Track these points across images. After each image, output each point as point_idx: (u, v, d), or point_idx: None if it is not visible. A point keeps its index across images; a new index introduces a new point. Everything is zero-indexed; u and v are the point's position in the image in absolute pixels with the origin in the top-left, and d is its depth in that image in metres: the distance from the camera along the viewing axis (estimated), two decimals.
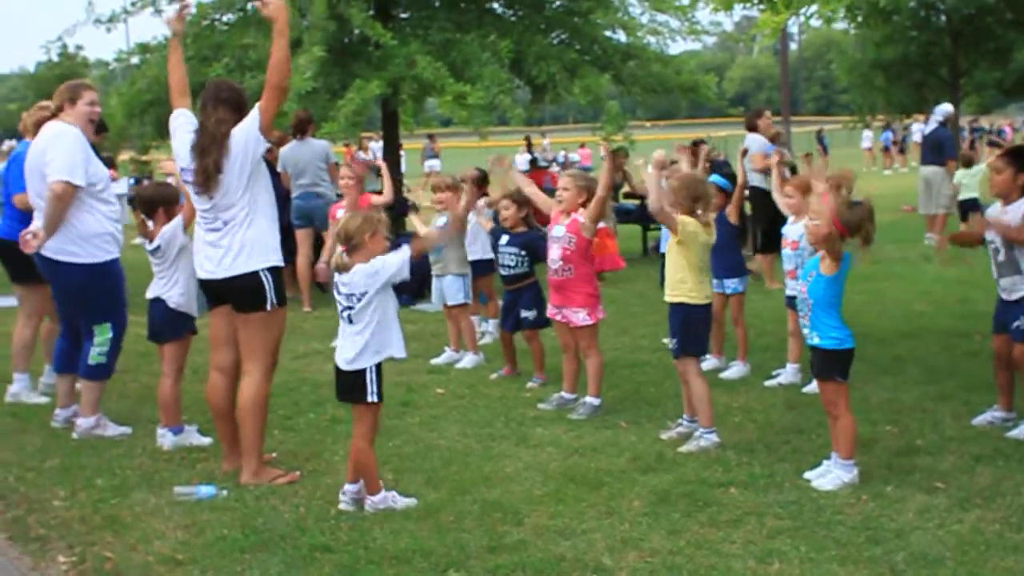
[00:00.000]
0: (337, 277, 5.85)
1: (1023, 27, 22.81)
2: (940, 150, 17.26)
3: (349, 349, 5.82)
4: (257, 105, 6.29)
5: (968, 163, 18.67)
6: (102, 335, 7.41)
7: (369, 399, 5.80)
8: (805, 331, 6.30)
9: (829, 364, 6.18)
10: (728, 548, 5.23)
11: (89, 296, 7.37)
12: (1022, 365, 7.03)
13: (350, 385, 5.84)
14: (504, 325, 9.06)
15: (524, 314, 8.78)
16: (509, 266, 8.85)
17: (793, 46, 76.80)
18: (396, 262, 5.75)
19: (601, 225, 8.04)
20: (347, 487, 5.94)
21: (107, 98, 14.63)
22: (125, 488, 6.33)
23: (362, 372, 5.78)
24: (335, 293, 5.88)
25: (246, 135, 6.21)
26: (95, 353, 7.42)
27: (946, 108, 17.74)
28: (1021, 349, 6.99)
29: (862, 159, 43.00)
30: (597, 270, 8.18)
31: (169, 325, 7.19)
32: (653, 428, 7.32)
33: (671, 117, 60.22)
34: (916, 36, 24.55)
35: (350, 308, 5.78)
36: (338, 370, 5.90)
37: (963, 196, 17.63)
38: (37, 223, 7.26)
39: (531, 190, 8.71)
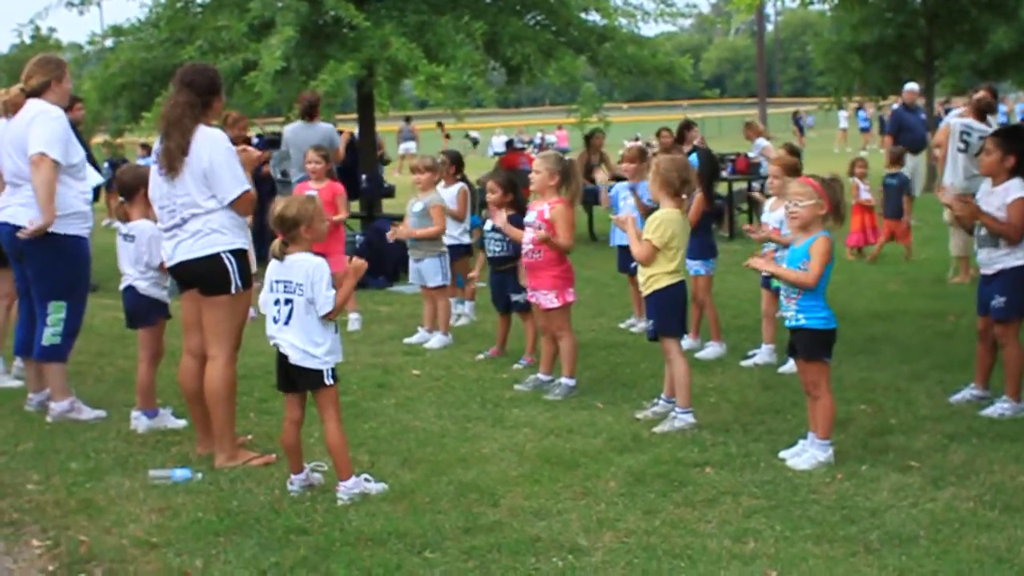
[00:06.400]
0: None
1: (998, 9, 22.85)
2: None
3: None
4: (245, 178, 6.28)
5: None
6: (56, 313, 7.33)
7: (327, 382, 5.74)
8: (789, 313, 6.21)
9: (816, 344, 6.17)
10: (704, 528, 5.25)
11: (53, 269, 7.30)
12: (1003, 344, 7.04)
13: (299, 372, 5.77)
14: (496, 306, 9.11)
15: (514, 298, 8.81)
16: (495, 250, 8.88)
17: (769, 28, 76.80)
18: None
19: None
20: (293, 477, 5.88)
21: (80, 82, 14.54)
22: (99, 471, 6.29)
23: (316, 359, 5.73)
24: None
25: (211, 164, 6.16)
26: (49, 334, 7.34)
27: (910, 86, 17.80)
28: (1001, 329, 7.00)
29: (835, 139, 43.16)
30: None
31: (140, 311, 7.16)
32: (629, 408, 7.33)
33: (648, 99, 60.19)
34: (892, 18, 24.58)
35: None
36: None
37: None
38: (10, 199, 7.27)
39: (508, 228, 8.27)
